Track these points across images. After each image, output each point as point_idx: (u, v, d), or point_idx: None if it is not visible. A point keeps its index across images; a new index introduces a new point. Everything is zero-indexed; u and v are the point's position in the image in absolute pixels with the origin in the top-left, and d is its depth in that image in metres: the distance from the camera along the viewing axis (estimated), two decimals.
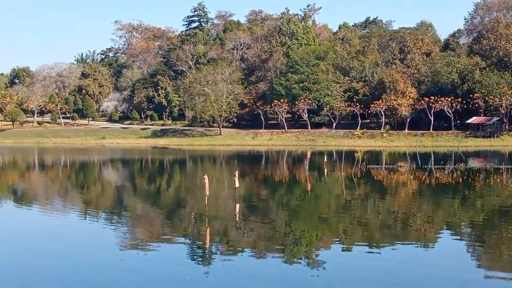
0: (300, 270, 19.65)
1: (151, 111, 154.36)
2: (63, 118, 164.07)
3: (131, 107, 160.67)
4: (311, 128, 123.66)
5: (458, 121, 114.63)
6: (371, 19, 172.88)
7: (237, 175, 35.23)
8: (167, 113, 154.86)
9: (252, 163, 74.89)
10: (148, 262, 20.71)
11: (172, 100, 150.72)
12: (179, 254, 22.07)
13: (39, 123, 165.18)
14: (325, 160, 60.30)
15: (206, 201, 30.58)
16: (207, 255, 22.10)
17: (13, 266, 20.46)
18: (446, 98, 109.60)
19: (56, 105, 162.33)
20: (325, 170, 55.54)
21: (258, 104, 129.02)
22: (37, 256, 21.84)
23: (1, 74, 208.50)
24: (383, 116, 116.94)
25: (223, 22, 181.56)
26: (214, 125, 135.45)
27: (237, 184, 34.95)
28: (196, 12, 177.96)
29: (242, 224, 28.25)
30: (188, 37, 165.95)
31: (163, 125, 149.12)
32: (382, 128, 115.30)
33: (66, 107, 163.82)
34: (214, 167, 68.51)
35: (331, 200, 37.80)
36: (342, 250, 22.85)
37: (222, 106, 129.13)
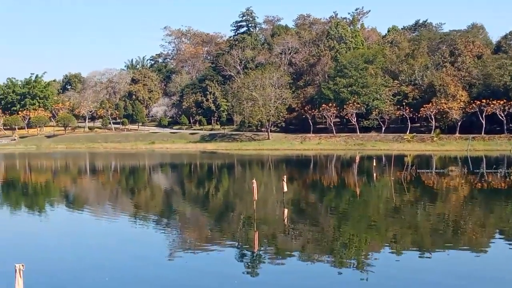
0: (349, 275, 19.52)
1: (200, 116, 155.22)
2: (114, 123, 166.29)
3: (180, 112, 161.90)
4: (359, 132, 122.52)
5: (511, 125, 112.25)
6: (420, 22, 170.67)
7: (285, 179, 35.17)
8: (216, 118, 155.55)
9: (300, 168, 74.70)
10: (196, 267, 20.83)
11: (221, 105, 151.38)
12: (228, 258, 22.16)
13: (90, 128, 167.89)
14: (374, 164, 59.69)
15: (255, 206, 30.60)
16: (256, 259, 22.12)
17: (69, 270, 20.84)
18: (498, 101, 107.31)
19: (107, 110, 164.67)
20: (374, 174, 54.98)
21: (306, 109, 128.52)
22: (87, 259, 22.17)
23: (54, 81, 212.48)
24: (433, 120, 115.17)
25: (271, 27, 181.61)
26: (262, 129, 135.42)
27: (285, 189, 34.89)
28: (244, 17, 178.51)
29: (290, 229, 28.19)
30: (236, 42, 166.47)
31: (211, 129, 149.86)
32: (432, 132, 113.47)
33: (117, 112, 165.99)
34: (262, 171, 68.55)
35: (380, 204, 37.41)
36: (392, 255, 22.59)
37: (270, 110, 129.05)
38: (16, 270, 14.39)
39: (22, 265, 14.51)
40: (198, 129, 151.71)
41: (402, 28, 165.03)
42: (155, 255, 22.70)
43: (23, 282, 14.54)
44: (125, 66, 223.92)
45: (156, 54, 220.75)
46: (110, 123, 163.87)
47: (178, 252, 23.28)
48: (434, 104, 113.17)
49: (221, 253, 22.96)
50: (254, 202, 30.55)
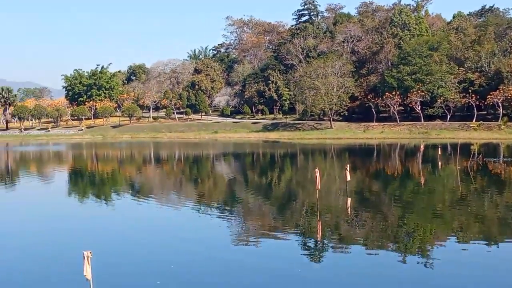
0: (414, 266, 19.27)
1: (262, 105, 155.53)
2: (177, 113, 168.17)
3: (242, 102, 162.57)
4: (424, 121, 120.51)
5: None
6: (487, 7, 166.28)
7: (348, 168, 34.92)
8: (278, 107, 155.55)
9: (363, 157, 74.04)
10: (259, 255, 20.93)
11: (283, 94, 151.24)
12: (291, 246, 22.18)
13: (154, 118, 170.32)
14: (439, 153, 58.55)
15: (318, 195, 30.53)
16: (319, 248, 22.09)
17: (135, 257, 21.26)
18: None
19: (170, 100, 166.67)
20: (439, 163, 53.99)
21: (369, 97, 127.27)
22: (152, 247, 22.53)
23: (119, 71, 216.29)
24: (501, 108, 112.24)
25: (333, 15, 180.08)
26: (325, 118, 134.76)
27: (348, 178, 34.65)
28: (306, 6, 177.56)
29: (353, 218, 28.01)
30: (298, 31, 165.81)
31: (273, 119, 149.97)
32: (499, 120, 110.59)
33: (180, 102, 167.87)
34: (325, 160, 68.20)
35: (446, 194, 36.75)
36: (458, 245, 22.18)
37: (332, 99, 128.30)
38: (84, 257, 14.75)
39: (90, 252, 14.86)
40: (260, 119, 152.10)
41: (467, 14, 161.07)
42: (218, 244, 22.90)
43: (91, 269, 14.90)
44: (188, 57, 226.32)
45: (219, 44, 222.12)
46: (173, 113, 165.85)
47: (241, 241, 23.43)
48: (501, 91, 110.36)
49: (284, 242, 23.00)
50: (317, 191, 30.48)
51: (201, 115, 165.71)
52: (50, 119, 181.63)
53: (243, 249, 21.96)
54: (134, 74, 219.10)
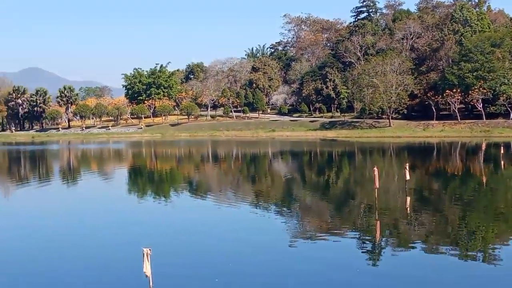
0: (475, 266, 18.81)
1: (320, 104, 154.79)
2: (235, 111, 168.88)
3: (299, 100, 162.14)
4: (486, 119, 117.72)
5: None
6: None
7: (407, 167, 34.36)
8: (336, 105, 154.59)
9: (423, 155, 72.85)
10: (317, 254, 20.74)
11: (341, 92, 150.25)
12: (349, 246, 21.94)
13: (212, 116, 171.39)
14: (502, 152, 57.12)
15: (376, 194, 30.14)
16: (377, 248, 21.78)
17: (193, 254, 21.36)
18: None
19: (228, 99, 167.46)
20: (502, 162, 52.65)
21: (429, 95, 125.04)
22: (210, 245, 22.59)
23: (177, 70, 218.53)
24: None
25: (392, 12, 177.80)
26: (383, 116, 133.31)
27: (407, 177, 34.09)
28: (364, 3, 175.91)
29: (413, 218, 27.52)
30: (357, 28, 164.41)
31: (331, 117, 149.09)
32: None
33: (238, 100, 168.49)
34: (384, 159, 67.40)
35: (508, 193, 35.81)
36: None
37: (391, 97, 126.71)
38: (144, 254, 14.89)
39: (149, 249, 15.00)
40: (318, 117, 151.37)
41: None
42: (275, 242, 22.80)
43: (150, 266, 15.03)
44: (245, 55, 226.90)
45: (276, 42, 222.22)
46: (231, 111, 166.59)
47: (299, 239, 23.28)
48: None
49: (342, 241, 22.74)
50: (376, 190, 30.09)
51: (259, 114, 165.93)
52: (110, 118, 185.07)
53: (299, 248, 21.80)
54: (192, 72, 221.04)
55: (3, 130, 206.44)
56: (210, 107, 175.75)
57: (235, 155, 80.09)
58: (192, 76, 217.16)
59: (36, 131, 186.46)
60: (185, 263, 19.91)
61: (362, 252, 21.36)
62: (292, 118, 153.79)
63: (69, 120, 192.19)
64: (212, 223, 27.46)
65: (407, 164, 35.34)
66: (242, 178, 49.87)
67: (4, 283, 17.94)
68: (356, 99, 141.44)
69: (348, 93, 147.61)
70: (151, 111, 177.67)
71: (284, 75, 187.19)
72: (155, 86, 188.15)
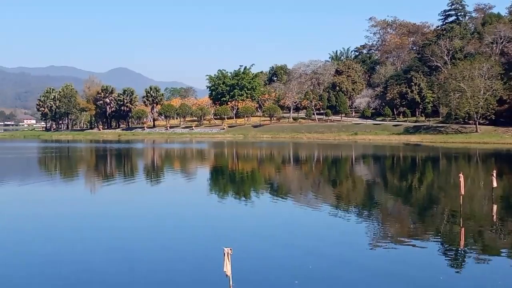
0: None
1: (404, 108, 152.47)
2: (317, 114, 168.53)
3: (383, 104, 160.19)
4: None
5: None
6: None
7: (494, 174, 33.23)
8: (420, 110, 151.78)
9: (511, 163, 70.41)
10: (397, 260, 20.31)
11: (426, 97, 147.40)
12: (431, 252, 21.37)
13: (294, 118, 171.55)
14: None
15: (461, 200, 29.27)
16: (461, 256, 21.11)
17: (273, 255, 21.32)
18: None
19: (311, 101, 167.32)
20: None
21: None
22: (291, 246, 22.47)
23: (261, 72, 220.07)
24: None
25: (482, 15, 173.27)
26: (470, 122, 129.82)
27: (495, 184, 32.98)
28: (453, 6, 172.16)
29: (499, 226, 26.54)
30: (444, 31, 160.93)
31: (415, 121, 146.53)
32: None
33: (320, 103, 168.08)
34: (469, 165, 65.48)
35: None
36: None
37: (478, 102, 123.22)
38: (224, 254, 14.93)
39: (230, 249, 15.02)
40: (401, 121, 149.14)
41: None
42: (355, 247, 22.49)
43: (231, 265, 15.04)
44: (329, 58, 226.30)
45: (361, 45, 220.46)
46: (313, 113, 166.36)
47: (380, 244, 22.87)
48: None
49: (424, 248, 22.18)
50: (461, 197, 29.22)
51: (341, 117, 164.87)
52: (194, 118, 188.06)
53: (380, 254, 21.41)
54: (275, 75, 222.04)
55: (91, 128, 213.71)
56: (293, 109, 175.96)
57: (316, 157, 79.69)
58: (275, 78, 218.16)
59: (123, 129, 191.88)
60: (265, 264, 19.87)
61: (445, 258, 20.76)
62: (375, 122, 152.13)
63: (154, 120, 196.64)
64: (291, 224, 27.32)
65: (495, 171, 34.20)
66: (323, 181, 49.59)
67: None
68: (442, 104, 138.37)
69: (433, 97, 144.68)
70: (234, 112, 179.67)
71: (368, 78, 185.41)
72: (238, 88, 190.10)
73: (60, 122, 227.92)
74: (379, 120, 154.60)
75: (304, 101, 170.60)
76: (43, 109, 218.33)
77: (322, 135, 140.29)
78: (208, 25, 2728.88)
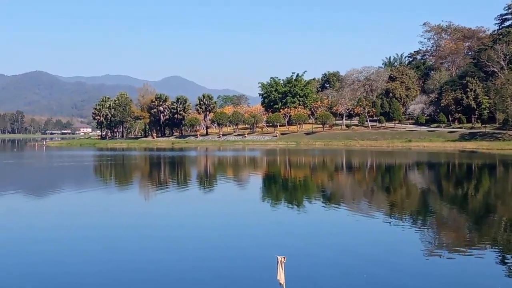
0: None
1: (459, 114, 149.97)
2: (370, 121, 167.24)
3: (438, 110, 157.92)
4: None
5: None
6: None
7: None
8: (476, 116, 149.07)
9: None
10: (453, 269, 19.98)
11: (482, 102, 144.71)
12: (488, 262, 20.94)
13: (347, 125, 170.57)
14: None
15: None
16: None
17: (327, 263, 21.20)
18: None
19: (364, 108, 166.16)
20: None
21: None
22: (345, 254, 22.33)
23: (313, 79, 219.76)
24: None
25: None
26: None
27: None
28: (509, 10, 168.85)
29: None
30: (501, 36, 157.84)
31: (471, 128, 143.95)
32: None
33: (373, 110, 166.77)
34: None
35: None
36: None
37: None
38: (278, 262, 14.90)
39: (284, 257, 14.98)
40: (456, 127, 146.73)
41: None
42: (409, 255, 22.20)
43: (284, 273, 15.00)
44: (382, 64, 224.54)
45: (414, 51, 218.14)
46: (366, 120, 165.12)
47: (435, 253, 22.51)
48: None
49: (481, 257, 21.73)
50: None
51: (395, 123, 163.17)
52: (246, 125, 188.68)
53: (436, 262, 21.06)
54: (328, 81, 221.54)
55: (145, 136, 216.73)
56: (345, 116, 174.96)
57: (369, 164, 78.93)
58: (327, 85, 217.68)
59: (176, 137, 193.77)
60: (319, 272, 19.79)
61: (503, 268, 20.30)
62: (429, 128, 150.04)
63: (207, 127, 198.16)
64: (345, 232, 27.23)
65: None
66: (376, 188, 49.06)
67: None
68: (498, 110, 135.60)
69: (489, 103, 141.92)
70: (287, 119, 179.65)
71: (422, 84, 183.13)
72: (291, 95, 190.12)
73: (115, 130, 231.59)
74: (434, 127, 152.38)
75: (357, 108, 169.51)
76: (98, 117, 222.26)
77: (375, 142, 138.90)
78: (259, 33, 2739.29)
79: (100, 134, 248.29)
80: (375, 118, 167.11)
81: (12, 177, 65.93)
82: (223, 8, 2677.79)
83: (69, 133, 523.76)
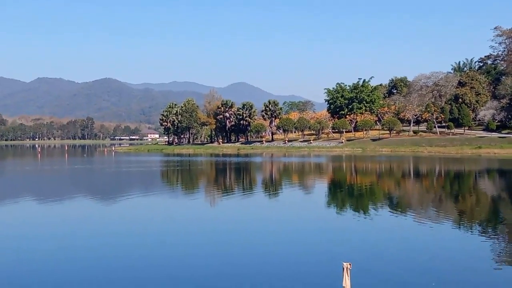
0: None
1: None
2: (439, 127, 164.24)
3: (509, 116, 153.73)
4: None
5: None
6: None
7: None
8: None
9: None
10: None
11: None
12: None
13: (414, 132, 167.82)
14: None
15: None
16: None
17: (388, 271, 20.79)
18: None
19: (432, 114, 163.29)
20: None
21: None
22: (409, 262, 21.87)
23: (380, 85, 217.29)
24: None
25: None
26: None
27: None
28: None
29: None
30: None
31: None
32: None
33: (442, 116, 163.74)
34: None
35: None
36: None
37: None
38: (343, 269, 14.68)
39: (349, 264, 14.75)
40: None
41: None
42: (480, 265, 21.55)
43: (350, 281, 14.75)
44: (451, 69, 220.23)
45: (485, 56, 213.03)
46: (435, 126, 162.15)
47: (506, 262, 21.77)
48: None
49: None
50: None
51: (464, 129, 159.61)
52: (312, 132, 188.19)
53: (508, 274, 20.35)
54: (395, 87, 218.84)
55: (211, 142, 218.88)
56: (413, 123, 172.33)
57: (437, 171, 77.37)
58: (395, 91, 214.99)
59: (242, 143, 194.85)
60: (385, 280, 19.45)
61: None
62: (500, 135, 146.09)
63: (272, 133, 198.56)
64: (412, 240, 26.77)
65: None
66: (444, 196, 47.99)
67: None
68: None
69: None
70: (353, 125, 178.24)
71: (493, 89, 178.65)
72: (357, 101, 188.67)
73: (182, 136, 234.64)
74: (505, 133, 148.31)
75: (425, 114, 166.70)
76: (165, 123, 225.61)
77: (443, 149, 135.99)
78: (325, 38, 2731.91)
79: (167, 140, 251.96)
80: (443, 124, 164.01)
81: (82, 181, 67.59)
82: (289, 15, 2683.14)
83: (137, 139, 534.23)
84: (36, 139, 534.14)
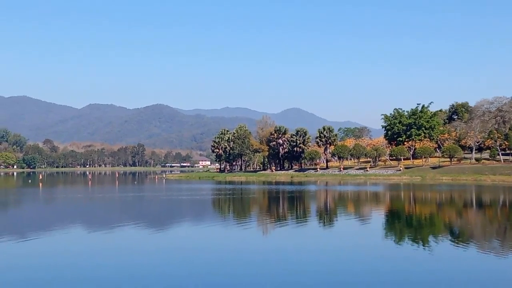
0: None
1: None
2: (502, 154, 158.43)
3: None
4: None
5: None
6: None
7: None
8: None
9: None
10: None
11: None
12: None
13: (477, 159, 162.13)
14: None
15: None
16: None
17: None
18: None
19: (495, 141, 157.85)
20: None
21: None
22: None
23: (440, 111, 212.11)
24: None
25: None
26: None
27: None
28: None
29: None
30: None
31: None
32: None
33: (506, 143, 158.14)
34: None
35: None
36: None
37: None
38: None
39: None
40: None
41: None
42: None
43: None
44: None
45: None
46: (498, 154, 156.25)
47: None
48: None
49: None
50: None
51: None
52: (368, 159, 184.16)
53: None
54: (456, 113, 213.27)
55: (264, 169, 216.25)
56: (475, 150, 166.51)
57: (502, 201, 72.94)
58: (455, 117, 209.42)
59: (295, 170, 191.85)
60: None
61: None
62: None
63: (327, 161, 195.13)
64: (474, 272, 25.92)
65: None
66: (510, 227, 44.96)
67: None
68: None
69: None
70: (411, 152, 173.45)
71: None
72: (415, 127, 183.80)
73: (234, 163, 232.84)
74: None
75: (488, 140, 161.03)
76: (217, 150, 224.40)
77: (508, 177, 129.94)
78: (381, 63, 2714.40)
79: (219, 167, 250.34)
80: (507, 151, 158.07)
81: (133, 210, 66.68)
82: (343, 40, 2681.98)
83: (188, 166, 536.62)
84: (87, 166, 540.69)
